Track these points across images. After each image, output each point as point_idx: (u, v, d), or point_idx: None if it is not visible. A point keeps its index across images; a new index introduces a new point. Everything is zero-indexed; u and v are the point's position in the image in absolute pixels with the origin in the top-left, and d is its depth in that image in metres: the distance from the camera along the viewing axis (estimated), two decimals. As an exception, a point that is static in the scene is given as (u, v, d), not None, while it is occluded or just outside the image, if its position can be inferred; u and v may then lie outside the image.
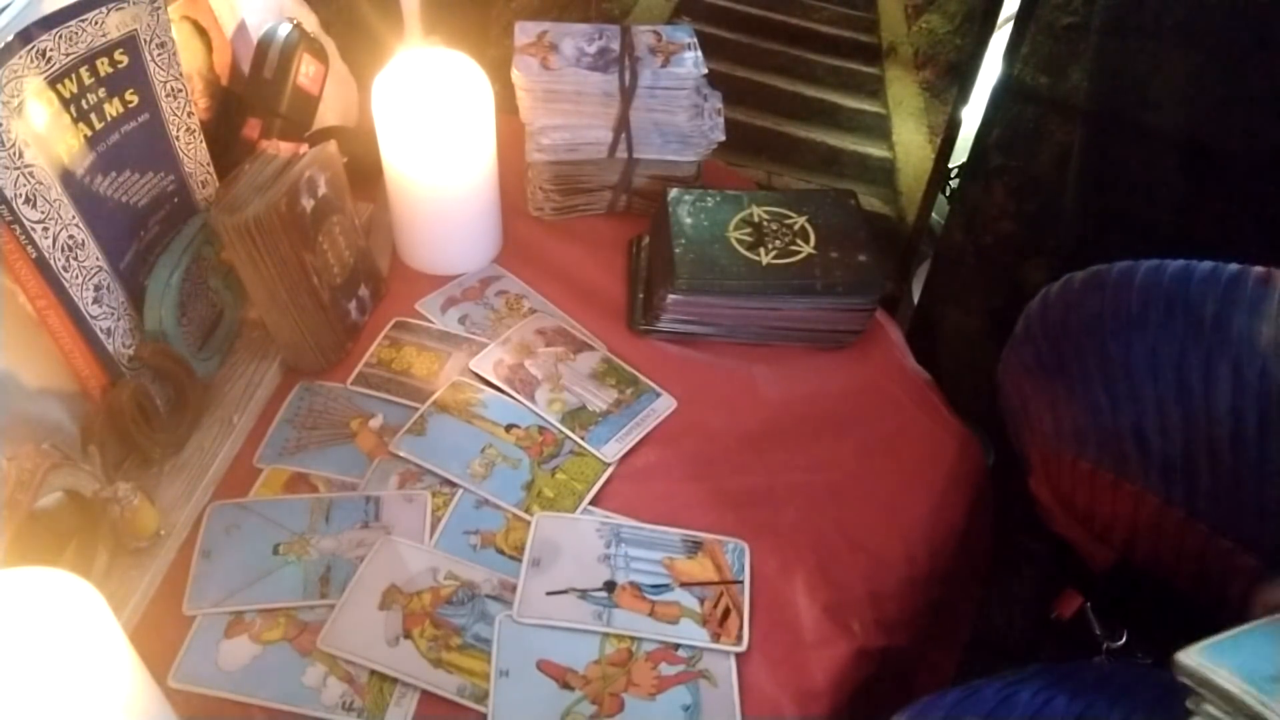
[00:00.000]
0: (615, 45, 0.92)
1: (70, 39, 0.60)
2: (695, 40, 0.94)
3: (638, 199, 0.96)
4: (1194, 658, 0.42)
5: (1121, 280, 0.72)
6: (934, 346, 1.23)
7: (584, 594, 0.64)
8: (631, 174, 0.94)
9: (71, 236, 0.61)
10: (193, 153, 0.74)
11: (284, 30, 0.84)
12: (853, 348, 0.84)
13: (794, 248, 0.82)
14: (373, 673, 0.59)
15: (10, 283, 0.59)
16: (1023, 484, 0.74)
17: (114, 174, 0.66)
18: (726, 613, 0.63)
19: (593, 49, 0.92)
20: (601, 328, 0.84)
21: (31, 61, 0.57)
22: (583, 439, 0.74)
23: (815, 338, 0.83)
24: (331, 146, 0.77)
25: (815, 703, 0.60)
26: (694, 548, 0.67)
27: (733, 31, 1.42)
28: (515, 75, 0.89)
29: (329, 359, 0.78)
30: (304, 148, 0.77)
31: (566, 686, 0.59)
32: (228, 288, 0.76)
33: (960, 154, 1.21)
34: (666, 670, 0.61)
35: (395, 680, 0.59)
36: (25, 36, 0.56)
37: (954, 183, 1.28)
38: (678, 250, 0.81)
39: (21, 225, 0.57)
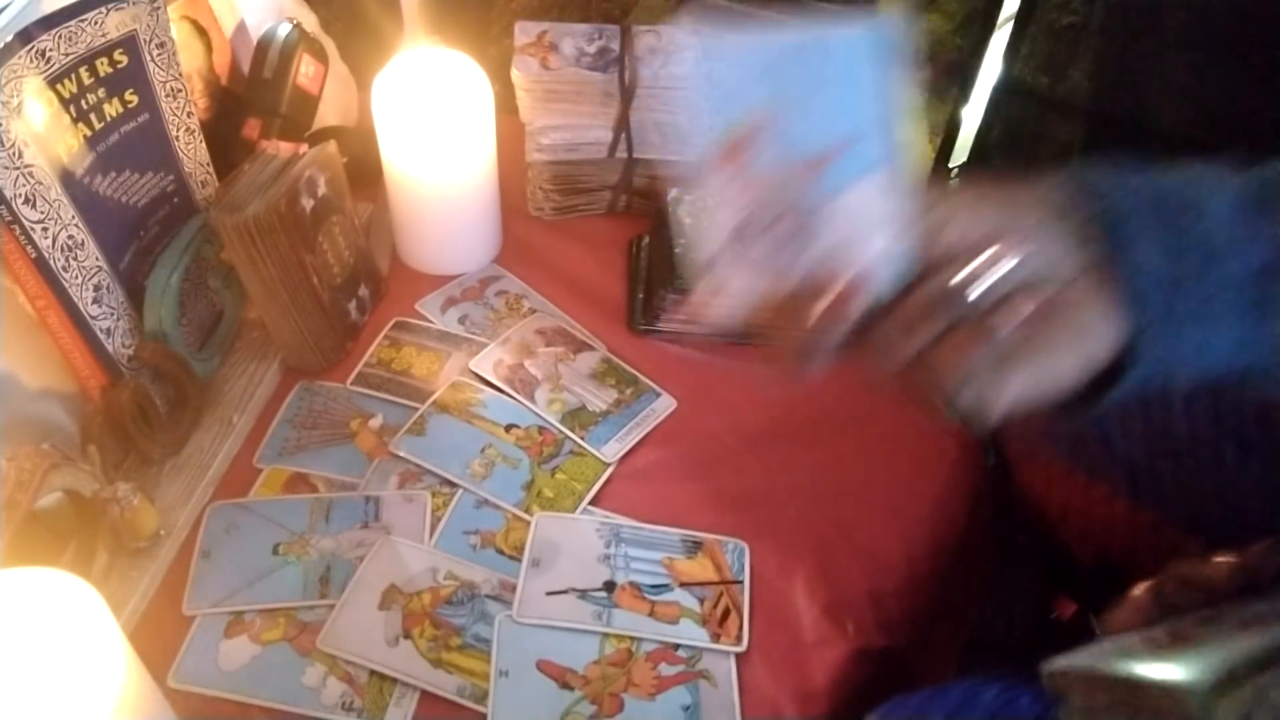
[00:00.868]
0: (615, 45, 0.92)
1: (70, 39, 0.60)
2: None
3: (638, 199, 0.96)
4: (1052, 664, 0.41)
5: None
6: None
7: (584, 594, 0.64)
8: (631, 174, 0.94)
9: (71, 236, 0.61)
10: (192, 153, 0.74)
11: (284, 30, 0.84)
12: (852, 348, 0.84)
13: (794, 248, 0.82)
14: (372, 673, 0.59)
15: (10, 283, 0.59)
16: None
17: (113, 174, 0.66)
18: (726, 613, 0.63)
19: (593, 49, 0.92)
20: (601, 328, 0.84)
21: (31, 61, 0.57)
22: (582, 439, 0.74)
23: (815, 338, 0.83)
24: (331, 146, 0.77)
25: (815, 703, 0.60)
26: (694, 548, 0.67)
27: (733, 31, 1.41)
28: (515, 75, 0.89)
29: (329, 359, 0.78)
30: (304, 148, 0.77)
31: (566, 686, 0.59)
32: (228, 288, 0.76)
33: (960, 154, 1.21)
34: (666, 670, 0.61)
35: (395, 680, 0.59)
36: (25, 36, 0.56)
37: (954, 182, 1.28)
38: (678, 250, 0.81)
39: (21, 225, 0.57)
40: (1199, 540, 0.59)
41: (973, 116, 1.16)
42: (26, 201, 0.57)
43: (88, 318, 0.63)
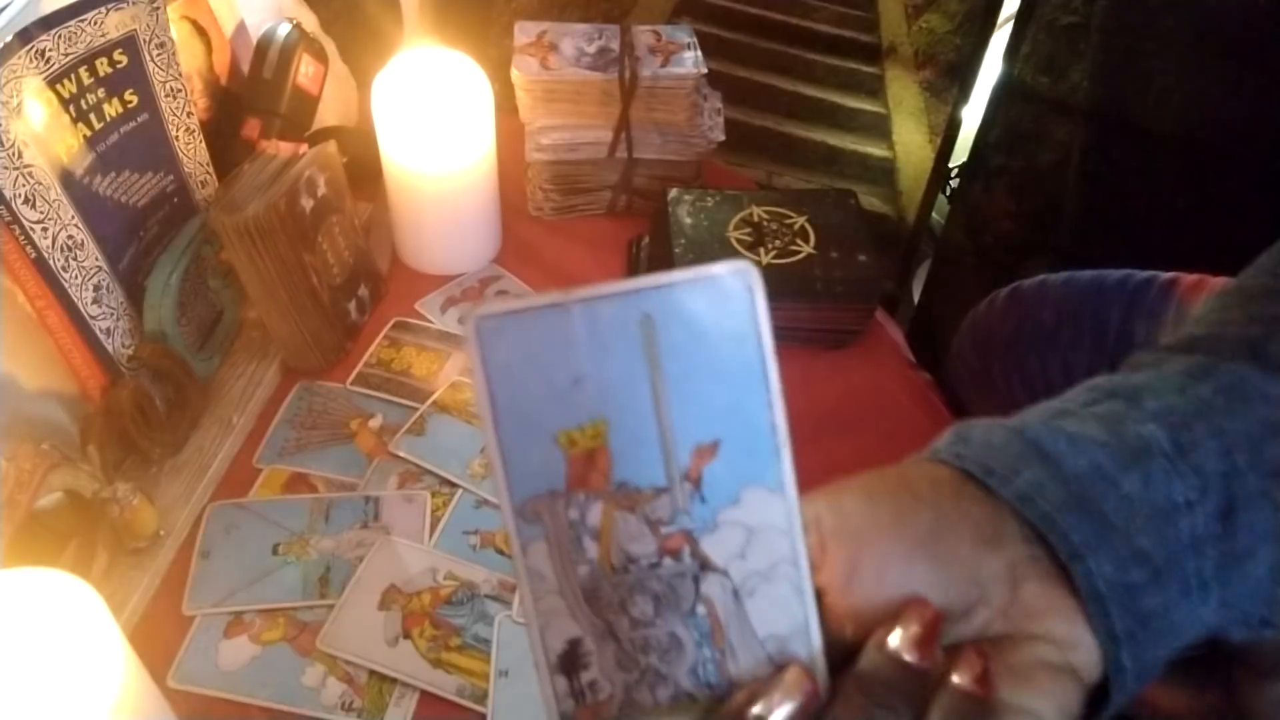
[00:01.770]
0: (615, 45, 0.92)
1: (69, 39, 0.60)
2: (695, 40, 0.94)
3: (638, 199, 0.96)
4: None
5: (1037, 295, 0.73)
6: (934, 346, 1.23)
7: (584, 594, 0.64)
8: (631, 174, 0.94)
9: (71, 237, 0.61)
10: (192, 153, 0.74)
11: (284, 30, 0.84)
12: (853, 348, 0.84)
13: (794, 248, 0.82)
14: (372, 673, 0.59)
15: (9, 283, 0.59)
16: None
17: (113, 174, 0.66)
18: (726, 613, 0.63)
19: (592, 49, 0.92)
20: (601, 328, 0.84)
21: (31, 61, 0.57)
22: (582, 439, 0.74)
23: (815, 338, 0.83)
24: (331, 146, 0.77)
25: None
26: (694, 548, 0.67)
27: (733, 31, 1.42)
28: (515, 75, 0.89)
29: (329, 359, 0.78)
30: (304, 148, 0.77)
31: (566, 687, 0.59)
32: (227, 288, 0.76)
33: (960, 154, 1.21)
34: None
35: (395, 680, 0.59)
36: (24, 36, 0.56)
37: (954, 182, 1.28)
38: (678, 250, 0.81)
39: (21, 225, 0.57)
40: None
41: (973, 116, 1.16)
42: (26, 201, 0.57)
43: (87, 318, 0.63)
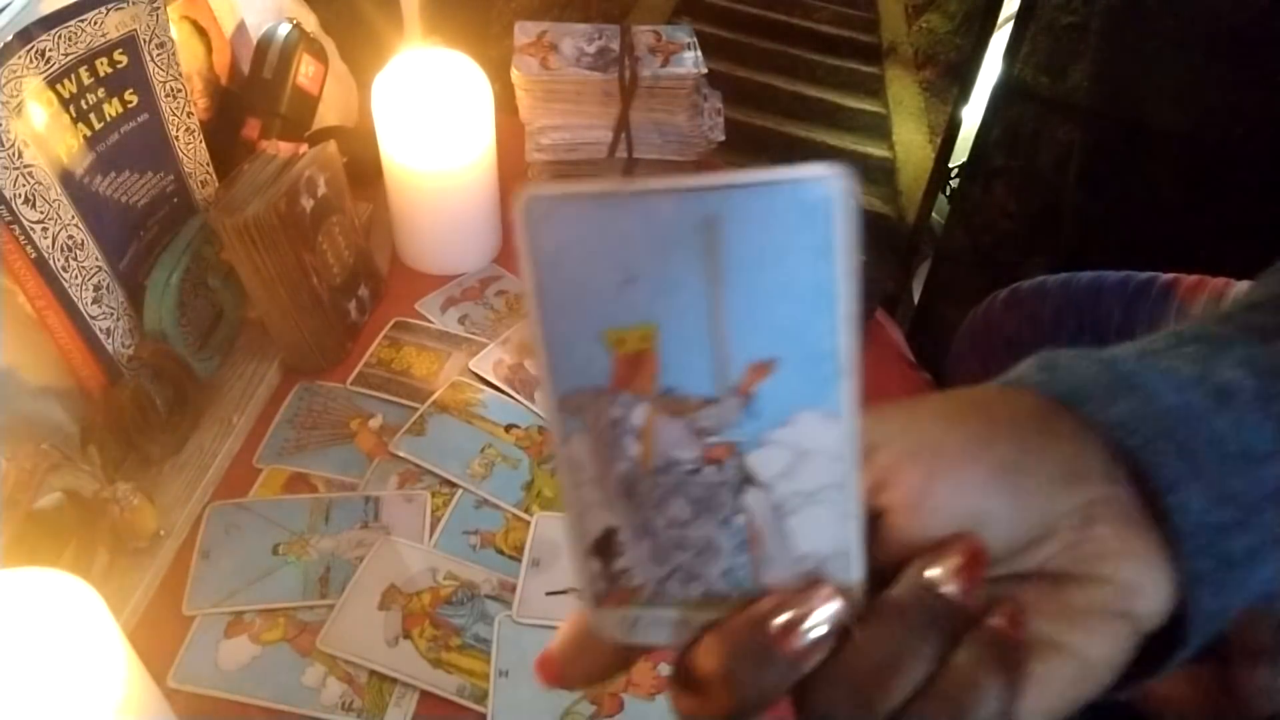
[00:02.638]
0: (615, 45, 0.92)
1: (69, 39, 0.60)
2: (695, 40, 0.94)
3: (637, 199, 0.96)
4: None
5: (1036, 296, 0.73)
6: (934, 346, 1.23)
7: (584, 594, 0.64)
8: (631, 174, 0.94)
9: (71, 236, 0.61)
10: (192, 153, 0.74)
11: (284, 30, 0.84)
12: (852, 348, 0.84)
13: (794, 248, 0.82)
14: (372, 673, 0.59)
15: (10, 283, 0.59)
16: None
17: (113, 174, 0.66)
18: (726, 613, 0.63)
19: (592, 49, 0.92)
20: (601, 328, 0.84)
21: (31, 61, 0.57)
22: (582, 439, 0.74)
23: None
24: (331, 146, 0.77)
25: (815, 703, 0.59)
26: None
27: (733, 31, 1.42)
28: (515, 75, 0.89)
29: (329, 359, 0.78)
30: (304, 148, 0.77)
31: (566, 687, 0.59)
32: (228, 288, 0.76)
33: (960, 154, 1.21)
34: (666, 670, 0.60)
35: (395, 680, 0.59)
36: (25, 36, 0.56)
37: (954, 182, 1.28)
38: (677, 250, 0.81)
39: (21, 225, 0.57)
40: None
41: (973, 116, 1.16)
42: (26, 201, 0.57)
43: (87, 318, 0.63)
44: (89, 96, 0.63)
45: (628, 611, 0.29)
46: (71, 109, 0.61)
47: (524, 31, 0.94)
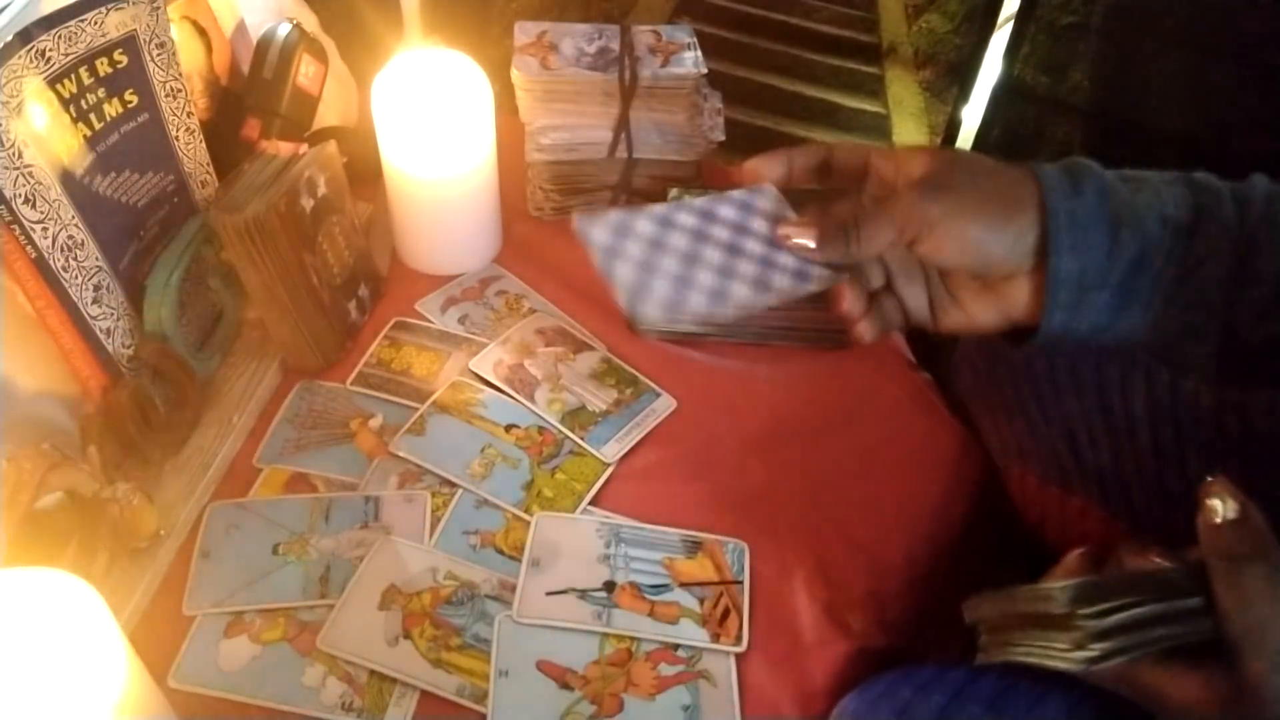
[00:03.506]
0: (615, 45, 0.92)
1: (70, 39, 0.60)
2: (695, 40, 0.94)
3: (638, 199, 0.96)
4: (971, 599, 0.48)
5: None
6: (934, 346, 1.23)
7: (583, 594, 0.64)
8: (631, 174, 0.94)
9: (71, 237, 0.61)
10: (192, 153, 0.74)
11: (284, 30, 0.84)
12: (853, 348, 0.84)
13: (794, 248, 0.82)
14: (372, 673, 0.59)
15: (10, 283, 0.59)
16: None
17: (113, 174, 0.66)
18: (726, 613, 0.63)
19: (592, 49, 0.92)
20: (601, 328, 0.84)
21: (31, 61, 0.57)
22: (582, 439, 0.74)
23: (815, 338, 0.83)
24: (331, 146, 0.77)
25: (815, 703, 0.60)
26: (694, 548, 0.67)
27: (733, 31, 1.42)
28: (515, 75, 0.89)
29: (329, 359, 0.78)
30: (304, 148, 0.77)
31: (566, 687, 0.59)
32: (228, 288, 0.76)
33: (960, 154, 1.21)
34: (666, 670, 0.61)
35: (395, 680, 0.59)
36: (25, 36, 0.56)
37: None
38: (677, 250, 0.81)
39: (21, 225, 0.57)
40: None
41: (973, 116, 1.16)
42: (26, 201, 0.57)
43: (88, 318, 0.63)
44: (89, 96, 0.63)
45: None
46: (71, 109, 0.61)
47: (524, 31, 0.94)
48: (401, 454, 0.71)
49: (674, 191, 0.87)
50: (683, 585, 0.65)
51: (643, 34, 0.94)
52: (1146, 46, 0.93)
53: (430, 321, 0.84)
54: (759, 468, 0.73)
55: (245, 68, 0.86)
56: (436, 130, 0.79)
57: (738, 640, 0.62)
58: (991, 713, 0.49)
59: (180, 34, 0.76)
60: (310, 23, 0.93)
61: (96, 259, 0.64)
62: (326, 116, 0.93)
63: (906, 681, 0.53)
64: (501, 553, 0.66)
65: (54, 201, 0.60)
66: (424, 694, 0.58)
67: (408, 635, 0.61)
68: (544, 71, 0.89)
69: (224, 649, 0.60)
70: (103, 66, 0.63)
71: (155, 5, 0.66)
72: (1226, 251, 0.45)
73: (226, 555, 0.65)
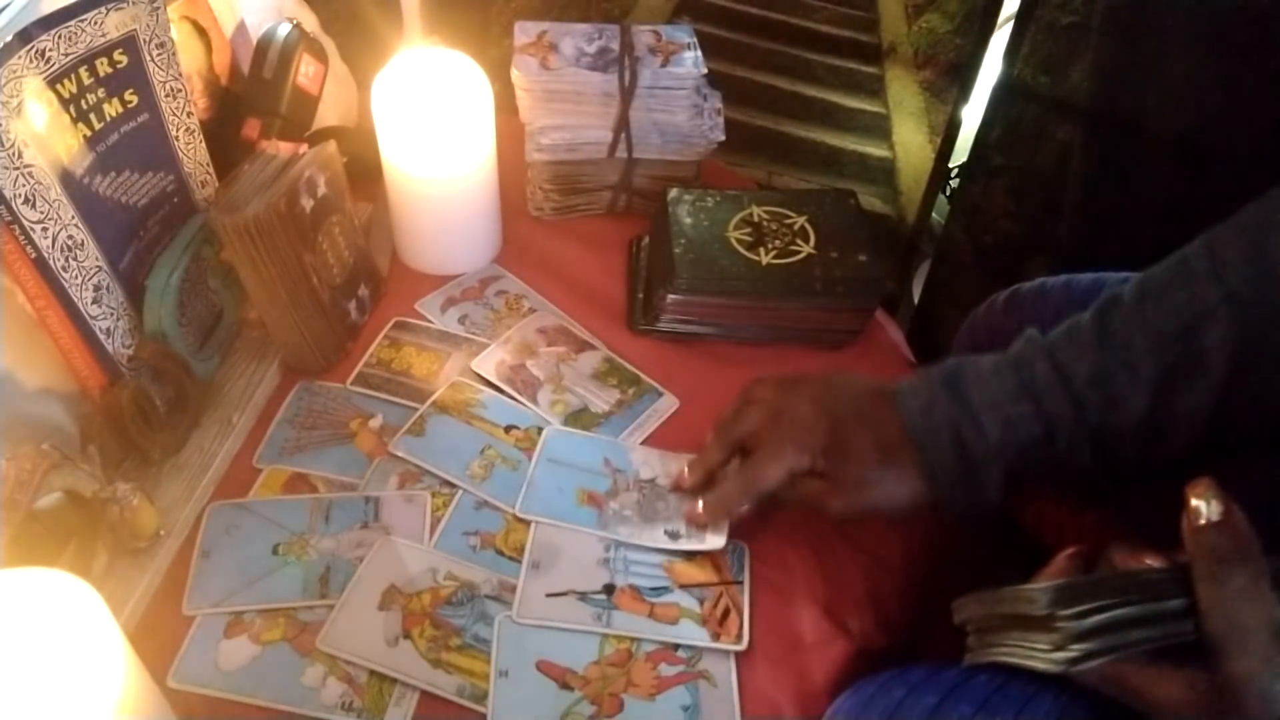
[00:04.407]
0: (615, 45, 0.92)
1: (70, 39, 0.60)
2: (695, 40, 0.94)
3: (638, 199, 0.96)
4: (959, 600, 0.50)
5: (1037, 298, 0.74)
6: (934, 346, 1.23)
7: (583, 596, 0.64)
8: (631, 174, 0.94)
9: (71, 237, 0.61)
10: (192, 153, 0.74)
11: (284, 30, 0.84)
12: (853, 348, 0.84)
13: (794, 248, 0.82)
14: (372, 673, 0.59)
15: (10, 283, 0.59)
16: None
17: (113, 174, 0.66)
18: (726, 613, 0.63)
19: (592, 49, 0.92)
20: (601, 328, 0.84)
21: (31, 61, 0.57)
22: (582, 439, 0.74)
23: (815, 338, 0.83)
24: (331, 146, 0.77)
25: (815, 703, 0.59)
26: (694, 549, 0.67)
27: (733, 31, 1.42)
28: (515, 75, 0.89)
29: (329, 359, 0.78)
30: (304, 148, 0.77)
31: (566, 687, 0.59)
32: (228, 288, 0.76)
33: (960, 154, 1.21)
34: (666, 671, 0.61)
35: (395, 680, 0.59)
36: (25, 36, 0.56)
37: (954, 182, 1.28)
38: (678, 250, 0.81)
39: (21, 225, 0.57)
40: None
41: (973, 116, 1.16)
42: (26, 201, 0.57)
43: (88, 318, 0.63)
44: (89, 96, 0.63)
45: None
46: (71, 109, 0.61)
47: (524, 31, 0.94)
48: (401, 454, 0.71)
49: (674, 192, 0.87)
50: (682, 587, 0.65)
51: (643, 34, 0.94)
52: (1147, 46, 0.93)
53: (430, 321, 0.84)
54: (759, 468, 0.73)
55: (245, 68, 0.86)
56: (436, 130, 0.79)
57: (738, 640, 0.62)
58: (983, 713, 0.50)
59: (180, 34, 0.76)
60: (310, 23, 0.93)
61: (96, 259, 0.64)
62: (326, 116, 0.93)
63: (899, 681, 0.54)
64: (501, 554, 0.66)
65: (54, 201, 0.60)
66: (424, 694, 0.58)
67: (408, 635, 0.61)
68: (544, 71, 0.89)
69: (224, 649, 0.60)
70: (103, 66, 0.63)
71: (155, 5, 0.66)
72: (1083, 441, 0.55)
73: (226, 555, 0.65)
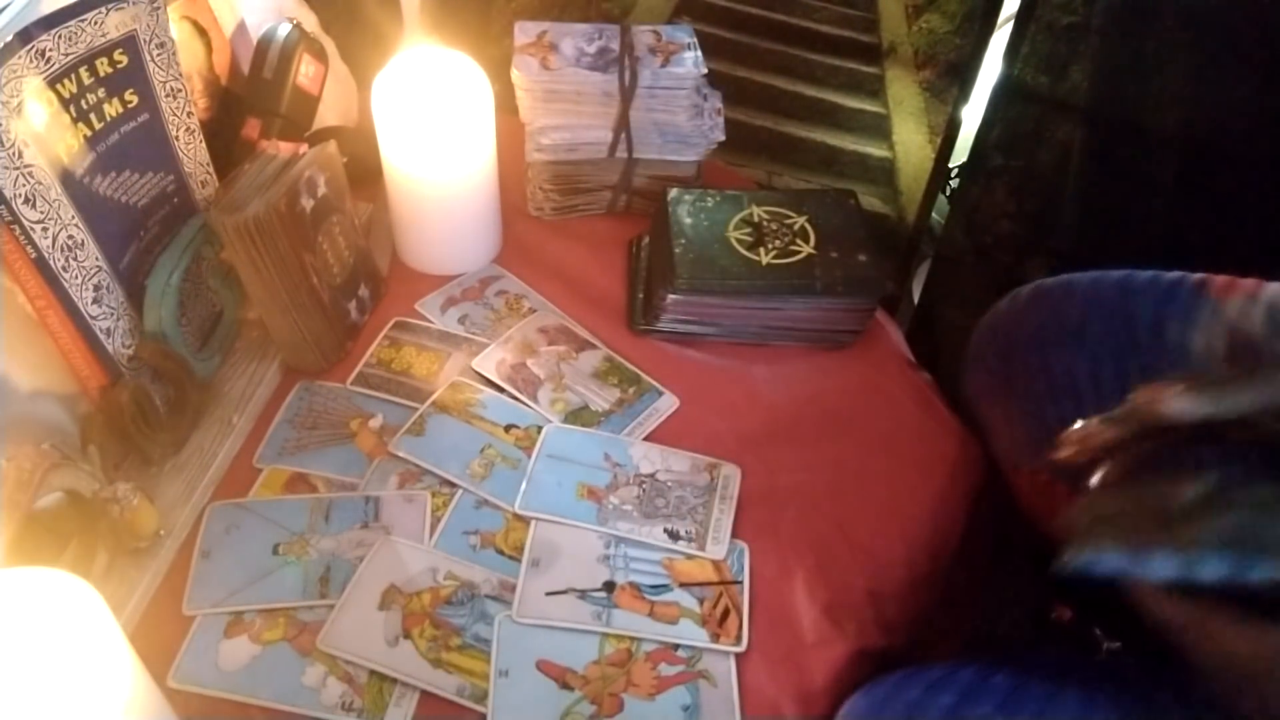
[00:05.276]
0: (615, 45, 0.92)
1: (70, 39, 0.60)
2: (695, 40, 0.94)
3: (638, 199, 0.96)
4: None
5: (1063, 293, 0.73)
6: (934, 346, 1.23)
7: (583, 594, 0.64)
8: (631, 174, 0.94)
9: (71, 237, 0.61)
10: (193, 153, 0.74)
11: (284, 30, 0.84)
12: (853, 348, 0.84)
13: (794, 248, 0.82)
14: (372, 673, 0.59)
15: (10, 283, 0.59)
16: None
17: (114, 174, 0.66)
18: (726, 613, 0.63)
19: (592, 49, 0.92)
20: (601, 328, 0.84)
21: (31, 61, 0.57)
22: (582, 439, 0.74)
23: (815, 338, 0.83)
24: (331, 146, 0.77)
25: (815, 703, 0.60)
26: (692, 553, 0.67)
27: (733, 31, 1.42)
28: (515, 75, 0.89)
29: (329, 359, 0.78)
30: (304, 148, 0.77)
31: (566, 687, 0.59)
32: (228, 288, 0.76)
33: (960, 154, 1.21)
34: (666, 670, 0.61)
35: (395, 680, 0.59)
36: (25, 36, 0.56)
37: (954, 182, 1.28)
38: (678, 250, 0.81)
39: (21, 225, 0.57)
40: None
41: (973, 116, 1.16)
42: (26, 201, 0.57)
43: (88, 318, 0.63)
44: (89, 96, 0.63)
45: None
46: (71, 109, 0.61)
47: (524, 31, 0.94)
48: (401, 454, 0.71)
49: (674, 192, 0.87)
50: (682, 585, 0.65)
51: (643, 34, 0.94)
52: (1147, 46, 0.93)
53: (430, 321, 0.84)
54: (759, 468, 0.73)
55: (245, 68, 0.86)
56: (436, 130, 0.79)
57: (737, 640, 0.62)
58: (1003, 713, 0.49)
59: (180, 34, 0.76)
60: (310, 23, 0.93)
61: (96, 259, 0.64)
62: (326, 116, 0.93)
63: (914, 681, 0.53)
64: (501, 553, 0.66)
65: (54, 201, 0.60)
66: (424, 694, 0.58)
67: (408, 635, 0.61)
68: (544, 71, 0.89)
69: (224, 649, 0.60)
70: (103, 66, 0.63)
71: (155, 5, 0.66)
72: None
73: (226, 555, 0.65)
